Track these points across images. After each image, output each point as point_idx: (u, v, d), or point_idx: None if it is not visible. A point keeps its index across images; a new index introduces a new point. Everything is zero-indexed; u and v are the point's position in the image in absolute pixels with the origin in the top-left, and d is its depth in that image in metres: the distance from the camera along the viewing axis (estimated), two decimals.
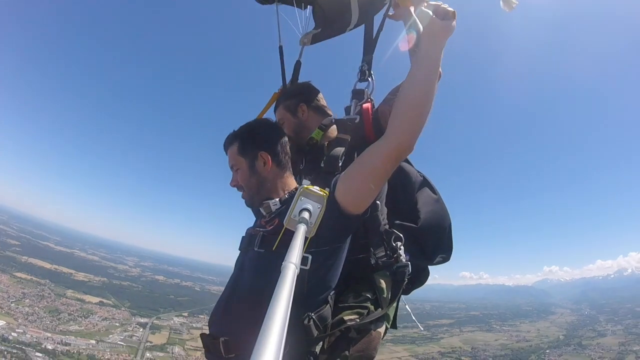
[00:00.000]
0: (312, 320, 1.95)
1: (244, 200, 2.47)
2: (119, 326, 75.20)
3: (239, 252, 2.38)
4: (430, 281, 2.81)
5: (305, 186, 1.85)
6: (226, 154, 2.47)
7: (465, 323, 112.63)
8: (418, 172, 2.77)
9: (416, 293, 2.85)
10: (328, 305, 2.09)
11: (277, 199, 2.33)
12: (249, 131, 2.44)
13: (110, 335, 69.69)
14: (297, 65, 3.40)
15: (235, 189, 2.46)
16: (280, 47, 3.40)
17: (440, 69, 2.00)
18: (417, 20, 2.04)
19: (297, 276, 0.98)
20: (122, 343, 67.60)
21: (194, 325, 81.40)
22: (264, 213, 2.35)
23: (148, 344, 69.55)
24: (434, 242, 2.57)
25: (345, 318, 2.10)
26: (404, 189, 2.64)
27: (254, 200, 2.40)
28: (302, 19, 3.39)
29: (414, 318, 2.94)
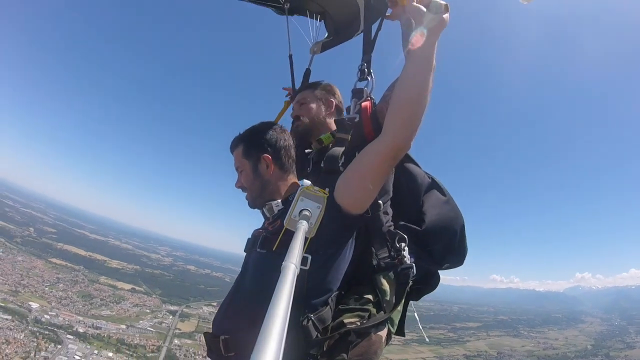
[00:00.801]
0: (310, 321, 1.93)
1: (247, 201, 2.46)
2: (150, 313, 77.43)
3: (245, 253, 2.36)
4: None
5: (305, 187, 1.87)
6: (233, 155, 2.48)
7: (492, 327, 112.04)
8: (426, 173, 2.71)
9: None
10: (328, 307, 2.06)
11: (279, 201, 2.34)
12: (252, 134, 2.45)
13: (141, 321, 71.75)
14: (307, 72, 3.47)
15: (240, 190, 2.46)
16: (290, 56, 3.53)
17: (434, 62, 1.91)
18: (412, 19, 1.92)
19: (297, 276, 0.99)
20: (151, 329, 69.43)
21: None
22: (267, 215, 2.37)
23: (177, 331, 71.09)
24: (442, 246, 2.50)
25: (346, 321, 2.07)
26: (410, 191, 2.59)
27: (257, 202, 2.41)
28: (313, 29, 3.54)
29: (420, 326, 2.85)
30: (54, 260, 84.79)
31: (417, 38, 1.81)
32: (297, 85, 3.44)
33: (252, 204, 2.44)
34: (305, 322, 1.91)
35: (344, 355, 1.98)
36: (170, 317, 77.41)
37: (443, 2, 1.84)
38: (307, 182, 1.94)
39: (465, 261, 2.62)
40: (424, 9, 1.85)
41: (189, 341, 67.34)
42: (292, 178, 2.48)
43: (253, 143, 2.40)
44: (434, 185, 2.66)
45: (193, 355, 62.20)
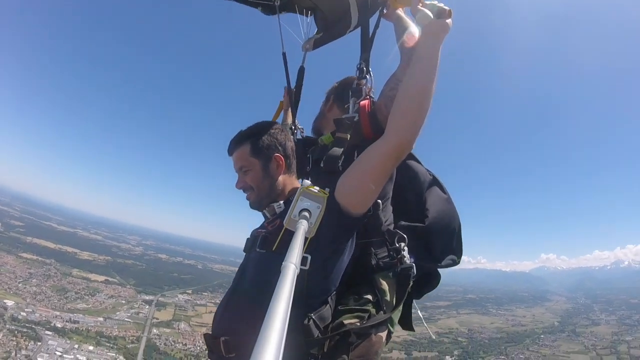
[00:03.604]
0: (311, 320, 1.93)
1: (248, 203, 2.45)
2: (125, 303, 76.22)
3: (244, 254, 2.37)
4: None
5: (305, 187, 1.89)
6: (230, 154, 2.44)
7: (462, 306, 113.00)
8: (427, 170, 2.76)
9: None
10: (328, 305, 2.06)
11: (282, 202, 2.34)
12: (261, 132, 2.40)
13: (117, 313, 70.67)
14: (301, 70, 3.45)
15: (242, 191, 2.45)
16: (284, 54, 3.40)
17: (438, 66, 1.98)
18: (406, 18, 2.11)
19: (297, 276, 0.98)
20: (129, 320, 68.65)
21: (198, 302, 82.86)
22: (268, 215, 2.38)
23: (154, 320, 70.58)
24: (442, 243, 2.53)
25: (345, 322, 2.06)
26: (412, 188, 2.63)
27: (262, 203, 2.38)
28: (304, 26, 3.44)
29: (425, 324, 2.87)
30: (24, 254, 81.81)
31: (411, 36, 1.98)
32: (293, 84, 3.41)
33: (257, 205, 2.40)
34: (306, 322, 1.90)
35: (345, 356, 1.97)
36: (147, 306, 76.55)
37: (446, 8, 1.93)
38: (307, 182, 1.97)
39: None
40: (430, 14, 1.94)
41: (167, 330, 67.18)
42: (295, 179, 2.49)
43: (264, 142, 2.35)
44: (435, 182, 2.69)
45: (173, 343, 62.24)
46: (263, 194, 2.35)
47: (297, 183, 2.49)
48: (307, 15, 3.45)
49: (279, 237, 1.96)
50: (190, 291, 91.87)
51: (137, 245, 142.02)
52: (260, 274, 2.09)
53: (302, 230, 1.42)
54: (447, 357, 72.47)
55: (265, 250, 2.11)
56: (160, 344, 61.94)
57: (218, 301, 2.42)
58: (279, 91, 3.72)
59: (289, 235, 1.42)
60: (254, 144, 2.35)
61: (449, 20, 1.93)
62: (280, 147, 2.38)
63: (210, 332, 2.14)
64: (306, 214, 1.71)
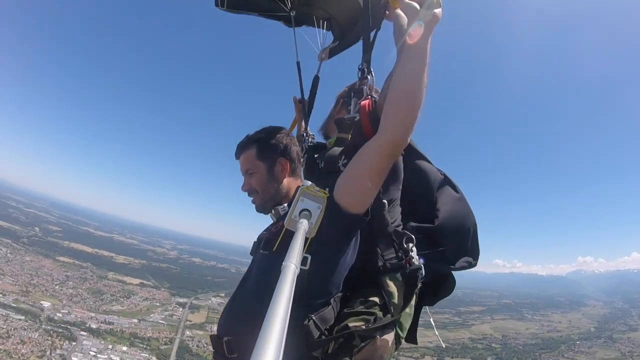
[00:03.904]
0: (311, 320, 1.91)
1: (254, 206, 2.45)
2: (160, 306, 77.93)
3: (251, 256, 2.37)
4: None
5: (306, 187, 1.91)
6: (237, 158, 2.46)
7: (496, 311, 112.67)
8: (438, 170, 2.69)
9: None
10: (330, 307, 2.03)
11: (285, 204, 2.34)
12: (268, 136, 2.43)
13: (152, 315, 72.26)
14: (316, 79, 3.50)
15: (247, 193, 2.44)
16: (298, 63, 3.52)
17: (428, 57, 1.91)
18: (404, 17, 1.92)
19: (297, 276, 0.99)
20: (163, 322, 69.97)
21: None
22: (274, 218, 2.41)
23: (188, 322, 71.59)
24: (455, 245, 2.46)
25: (351, 325, 2.03)
26: (421, 188, 2.57)
27: (267, 206, 2.39)
28: (320, 36, 3.52)
29: (436, 332, 2.78)
30: (61, 258, 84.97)
31: (416, 31, 1.81)
32: (306, 93, 3.46)
33: (262, 208, 2.43)
34: (306, 322, 1.89)
35: (348, 359, 1.95)
36: (180, 309, 78.01)
37: None
38: (307, 182, 2.00)
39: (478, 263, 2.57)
40: (417, 6, 1.85)
41: (200, 332, 67.76)
42: (300, 183, 2.46)
43: (269, 146, 2.39)
44: (447, 181, 2.65)
45: (205, 345, 62.01)
46: (267, 197, 2.38)
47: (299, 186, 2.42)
48: (323, 27, 3.53)
49: (280, 238, 2.00)
50: (223, 294, 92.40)
51: (171, 249, 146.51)
52: (261, 274, 2.12)
53: (302, 230, 1.45)
54: None
55: (268, 251, 2.13)
56: (193, 346, 62.57)
57: None
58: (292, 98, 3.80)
59: (290, 235, 1.44)
60: (259, 147, 2.38)
61: (438, 11, 1.84)
62: (285, 151, 2.39)
63: (216, 333, 2.17)
64: (307, 214, 1.75)
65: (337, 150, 2.35)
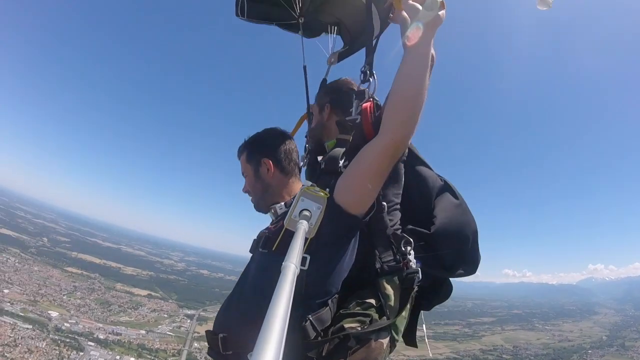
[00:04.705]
0: (308, 321, 1.90)
1: (253, 205, 2.52)
2: (167, 317, 77.95)
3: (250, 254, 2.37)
4: (472, 279, 2.69)
5: (306, 187, 1.89)
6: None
7: (507, 321, 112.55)
8: (438, 176, 2.66)
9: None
10: (328, 308, 2.02)
11: (283, 203, 2.35)
12: (254, 140, 2.51)
13: (159, 326, 72.16)
14: (323, 84, 3.36)
15: (247, 194, 2.52)
16: (305, 67, 3.40)
17: (434, 53, 1.96)
18: (408, 18, 1.90)
19: (297, 276, 1.00)
20: (170, 333, 69.78)
21: None
22: (273, 217, 2.40)
23: (195, 334, 71.13)
24: (453, 252, 2.42)
25: (346, 326, 2.02)
26: (420, 194, 2.55)
27: (260, 205, 2.45)
28: (329, 40, 3.49)
29: (427, 341, 2.80)
30: (69, 269, 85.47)
31: (414, 33, 1.80)
32: (312, 97, 3.36)
33: (257, 207, 2.48)
34: (304, 323, 1.88)
35: None
36: (188, 321, 78.10)
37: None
38: (308, 182, 1.98)
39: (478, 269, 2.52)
40: (419, 7, 1.83)
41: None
42: (295, 181, 2.48)
43: (254, 148, 2.45)
44: (447, 188, 2.60)
45: None
46: (258, 197, 2.45)
47: (297, 185, 2.50)
48: (333, 31, 3.53)
49: (279, 237, 2.00)
50: None
51: (179, 261, 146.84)
52: (260, 273, 2.12)
53: (302, 230, 1.45)
54: None
55: (267, 250, 2.12)
56: (201, 358, 62.15)
57: None
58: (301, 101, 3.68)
59: (290, 235, 1.46)
60: (248, 150, 2.47)
61: (442, 12, 1.85)
62: (269, 151, 2.43)
63: (212, 329, 2.19)
64: (307, 214, 1.76)
65: (339, 151, 2.30)
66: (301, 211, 1.75)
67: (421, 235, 2.36)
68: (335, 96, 2.90)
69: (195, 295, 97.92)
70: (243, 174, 2.50)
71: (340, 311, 2.10)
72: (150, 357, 59.30)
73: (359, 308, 2.11)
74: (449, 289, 2.62)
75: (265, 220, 2.40)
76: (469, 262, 2.47)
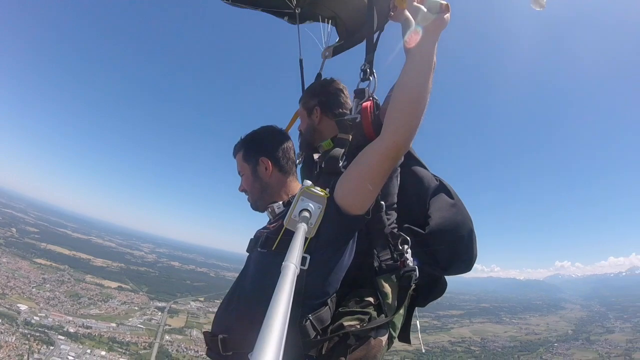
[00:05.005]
0: (308, 320, 1.92)
1: (249, 204, 2.53)
2: (138, 310, 77.14)
3: (247, 253, 2.38)
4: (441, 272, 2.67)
5: (306, 187, 1.89)
6: (235, 160, 2.56)
7: (475, 314, 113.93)
8: (434, 176, 2.69)
9: None
10: (327, 307, 2.04)
11: (281, 202, 2.37)
12: (251, 138, 2.52)
13: (130, 319, 71.42)
14: (318, 77, 3.47)
15: (244, 193, 2.54)
16: (301, 60, 3.49)
17: (435, 59, 1.89)
18: (411, 19, 1.90)
19: (297, 276, 0.99)
20: (141, 326, 69.21)
21: (211, 309, 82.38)
22: (270, 217, 2.41)
23: (167, 327, 71.01)
24: (448, 250, 2.47)
25: (345, 324, 2.04)
26: (416, 193, 2.57)
27: (258, 205, 2.46)
28: (325, 34, 3.54)
29: (419, 336, 2.80)
30: (38, 260, 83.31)
31: (412, 37, 1.84)
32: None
33: (254, 207, 2.49)
34: (303, 322, 1.90)
35: (343, 358, 1.96)
36: (159, 313, 77.37)
37: (443, 2, 1.84)
38: (308, 182, 1.97)
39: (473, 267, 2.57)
40: (424, 8, 1.84)
41: (179, 336, 67.56)
42: (293, 180, 2.50)
43: (252, 146, 2.45)
44: (442, 188, 2.62)
45: (185, 350, 62.38)
46: (256, 197, 2.44)
47: (295, 184, 2.51)
48: (328, 24, 3.56)
49: (279, 237, 2.00)
50: (202, 299, 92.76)
51: (150, 252, 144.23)
52: (260, 273, 2.11)
53: (302, 230, 1.43)
54: None
55: (266, 249, 2.10)
56: (173, 351, 62.18)
57: None
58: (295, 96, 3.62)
59: (289, 235, 1.45)
60: (245, 149, 2.46)
61: (446, 16, 1.85)
62: (267, 150, 2.43)
63: (210, 330, 2.17)
64: (306, 214, 1.75)
65: (339, 151, 2.30)
66: (301, 211, 1.75)
67: (417, 234, 2.39)
68: (324, 98, 2.88)
69: (167, 287, 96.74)
70: (239, 173, 2.49)
71: (339, 309, 2.12)
72: (121, 350, 58.67)
73: (357, 306, 2.13)
74: (444, 285, 2.69)
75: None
76: (464, 260, 2.51)
